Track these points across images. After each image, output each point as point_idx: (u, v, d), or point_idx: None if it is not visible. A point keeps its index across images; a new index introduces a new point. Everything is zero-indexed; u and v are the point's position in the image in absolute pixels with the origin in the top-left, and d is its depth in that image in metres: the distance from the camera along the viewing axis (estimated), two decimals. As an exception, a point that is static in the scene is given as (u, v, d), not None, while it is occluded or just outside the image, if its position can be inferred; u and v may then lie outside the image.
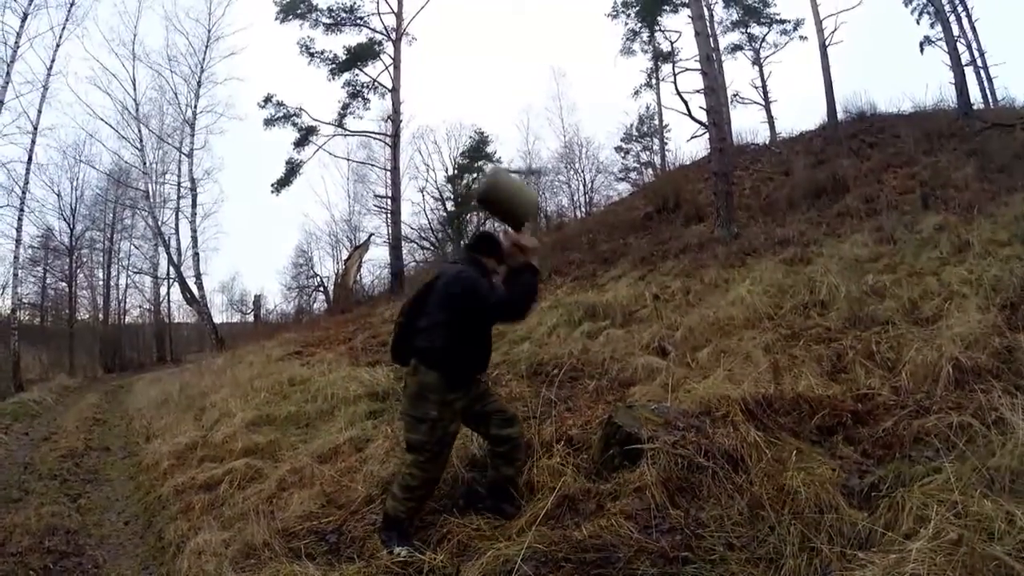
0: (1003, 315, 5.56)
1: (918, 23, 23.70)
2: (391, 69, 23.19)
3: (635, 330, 8.34)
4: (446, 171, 33.70)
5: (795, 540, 2.77)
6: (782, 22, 26.56)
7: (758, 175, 17.99)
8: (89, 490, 6.79)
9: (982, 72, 19.97)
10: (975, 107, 17.40)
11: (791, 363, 5.46)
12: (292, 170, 24.29)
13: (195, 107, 26.89)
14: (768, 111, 26.75)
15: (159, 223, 27.68)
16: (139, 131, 26.58)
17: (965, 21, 20.01)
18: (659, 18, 26.37)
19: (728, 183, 13.86)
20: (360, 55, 23.60)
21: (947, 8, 18.52)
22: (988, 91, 19.91)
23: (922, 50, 23.04)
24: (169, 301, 32.62)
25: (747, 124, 29.24)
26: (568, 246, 16.60)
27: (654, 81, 28.89)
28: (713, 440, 3.46)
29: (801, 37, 26.10)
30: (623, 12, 27.68)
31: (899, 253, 8.89)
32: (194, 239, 26.68)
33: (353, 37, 23.79)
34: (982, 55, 20.07)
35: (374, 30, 23.54)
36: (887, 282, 7.64)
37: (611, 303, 9.72)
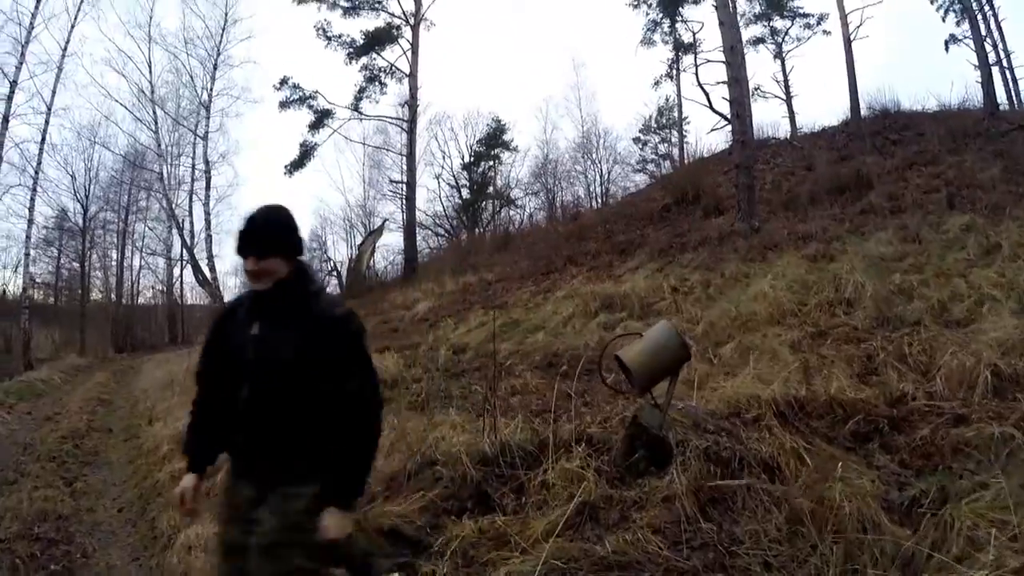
0: None
1: (943, 20, 22.75)
2: (409, 54, 22.91)
3: (653, 323, 8.03)
4: (462, 158, 33.17)
5: (839, 562, 2.51)
6: (805, 16, 25.85)
7: (779, 170, 17.53)
8: (87, 473, 6.67)
9: (1007, 73, 19.33)
10: (1001, 108, 16.96)
11: (820, 363, 5.24)
12: (306, 152, 24.03)
13: (211, 90, 26.69)
14: (789, 106, 26.17)
15: (173, 205, 27.60)
16: (154, 113, 26.48)
17: (992, 21, 19.28)
18: (681, 8, 25.70)
19: (750, 176, 13.45)
20: (378, 39, 23.21)
21: (974, 7, 17.95)
22: (1013, 92, 19.30)
23: (947, 48, 22.50)
24: (182, 283, 32.59)
25: (768, 118, 28.66)
26: (584, 236, 16.31)
27: (674, 72, 28.19)
28: (748, 446, 3.20)
29: (824, 32, 25.46)
30: (644, 2, 26.84)
31: (925, 253, 8.63)
32: (207, 221, 26.62)
33: (371, 21, 23.45)
34: (1008, 55, 19.36)
35: (392, 14, 23.20)
36: (914, 282, 7.43)
37: (628, 294, 9.51)
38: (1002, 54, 18.78)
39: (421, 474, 3.68)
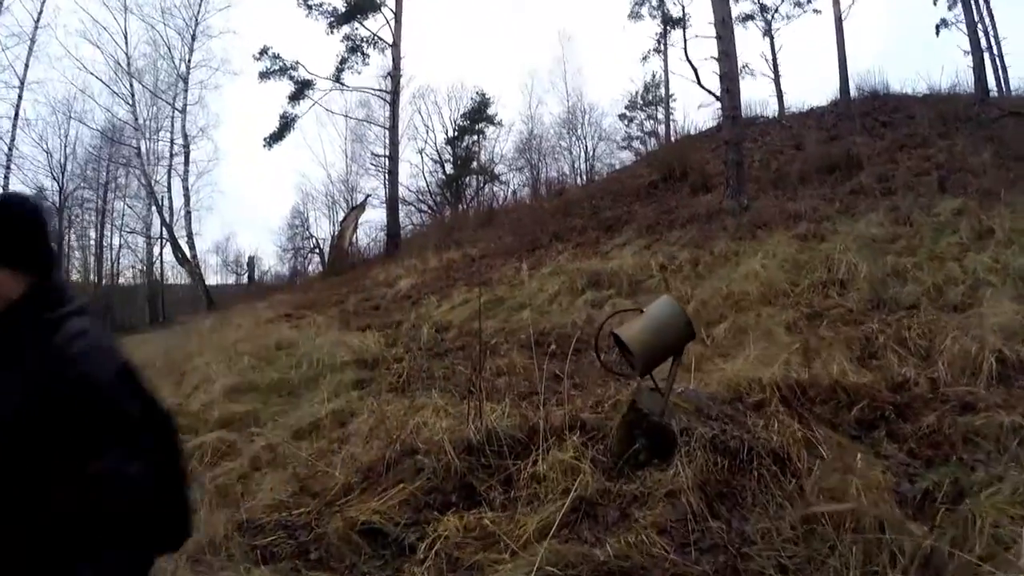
0: None
1: (935, 4, 22.70)
2: (392, 23, 22.24)
3: (642, 301, 7.93)
4: (446, 133, 32.58)
5: (858, 563, 2.29)
6: (796, -7, 25.41)
7: (767, 148, 17.28)
8: None
9: (997, 60, 19.33)
10: (991, 93, 16.94)
11: (819, 345, 5.05)
12: (286, 124, 23.46)
13: (189, 61, 25.95)
14: (778, 84, 25.72)
15: (152, 181, 26.80)
16: (131, 87, 25.65)
17: (983, 6, 19.28)
18: None
19: (740, 152, 13.16)
20: (360, 7, 22.57)
21: None
22: (1003, 78, 19.32)
23: (938, 32, 22.50)
24: (162, 262, 31.83)
25: (756, 97, 28.54)
26: (570, 212, 16.04)
27: (663, 47, 27.78)
28: (755, 435, 2.96)
29: (815, 10, 24.95)
30: None
31: (917, 236, 8.53)
32: (186, 197, 25.98)
33: None
34: (998, 43, 19.44)
35: None
36: (908, 264, 7.33)
37: (616, 271, 9.33)
38: (993, 41, 18.87)
39: (401, 464, 3.41)
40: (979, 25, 17.72)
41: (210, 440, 5.46)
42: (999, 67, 19.28)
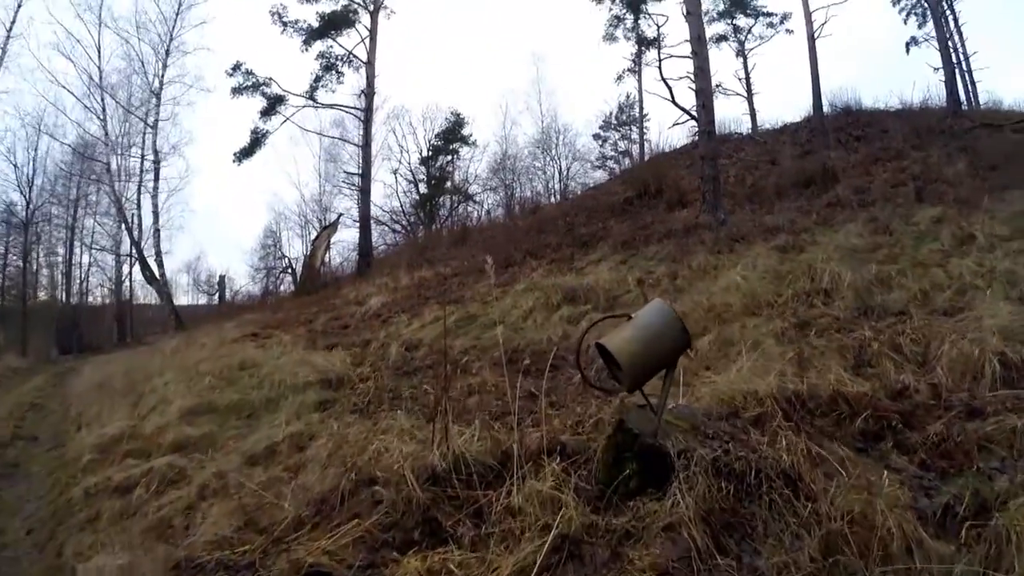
0: None
1: (905, 23, 24.09)
2: (367, 41, 22.27)
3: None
4: (420, 153, 32.56)
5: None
6: (769, 15, 26.18)
7: (742, 164, 17.54)
8: (3, 487, 6.19)
9: (967, 75, 20.13)
10: (963, 106, 17.54)
11: (812, 354, 4.86)
12: (256, 140, 23.18)
13: (162, 77, 25.50)
14: (751, 103, 26.49)
15: (121, 198, 26.13)
16: (103, 101, 25.18)
17: (952, 23, 20.16)
18: (644, 4, 25.71)
19: (715, 167, 13.27)
20: (335, 22, 22.53)
21: (941, 7, 18.58)
22: (972, 93, 20.05)
23: (908, 50, 23.64)
24: (131, 280, 31.15)
25: (729, 115, 28.89)
26: (544, 229, 15.94)
27: (637, 67, 28.28)
28: (762, 454, 2.59)
29: (787, 31, 25.79)
30: None
31: (898, 244, 8.54)
32: (155, 214, 25.42)
33: (329, 7, 22.82)
34: (967, 58, 20.30)
35: (352, 0, 22.53)
36: (892, 272, 7.27)
37: (592, 287, 9.14)
38: (962, 57, 19.76)
39: (358, 495, 2.97)
40: (949, 42, 18.34)
41: (159, 466, 5.21)
42: (968, 81, 20.07)
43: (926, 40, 22.17)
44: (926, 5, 21.64)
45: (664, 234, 12.28)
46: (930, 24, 21.63)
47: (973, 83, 20.35)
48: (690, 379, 4.44)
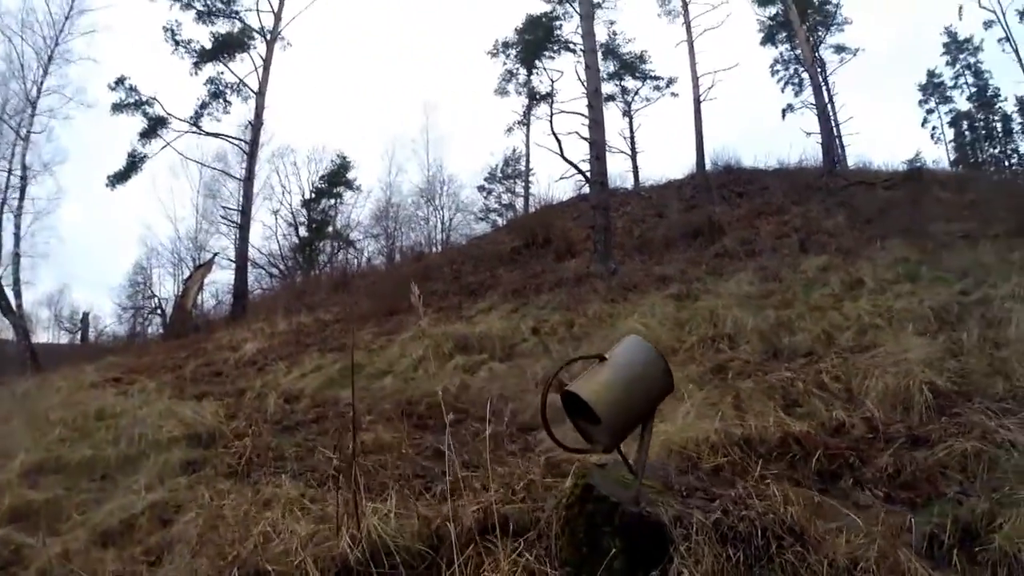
0: (946, 340, 5.59)
1: (783, 92, 26.65)
2: (260, 71, 21.18)
3: (523, 364, 7.50)
4: (303, 195, 31.56)
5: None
6: (656, 78, 27.47)
7: (629, 216, 18.06)
8: None
9: (838, 140, 22.20)
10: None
11: (736, 399, 4.70)
12: (133, 164, 21.36)
13: (41, 85, 22.37)
14: (634, 161, 27.54)
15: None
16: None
17: (826, 93, 22.20)
18: (537, 61, 26.72)
19: (607, 217, 13.54)
20: (229, 45, 21.47)
21: (819, 79, 20.78)
22: (843, 155, 22.04)
23: (784, 116, 26.23)
24: (-15, 313, 27.13)
25: (613, 171, 29.79)
26: (430, 276, 15.62)
27: (527, 121, 28.85)
28: (757, 510, 2.17)
29: (673, 94, 27.20)
30: (503, 52, 27.66)
31: (789, 290, 8.86)
32: (17, 236, 21.90)
33: (225, 28, 21.83)
34: (838, 124, 22.51)
35: (249, 26, 21.55)
36: (791, 316, 7.44)
37: (486, 335, 8.83)
38: (834, 123, 21.79)
39: (241, 602, 2.19)
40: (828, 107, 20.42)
41: (-6, 540, 4.06)
42: (840, 145, 22.10)
43: (801, 106, 24.60)
44: (803, 77, 24.19)
45: (555, 283, 12.41)
46: (804, 93, 24.41)
47: (843, 146, 22.52)
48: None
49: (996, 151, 32.41)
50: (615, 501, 2.08)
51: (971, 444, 3.30)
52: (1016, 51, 24.92)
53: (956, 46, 32.44)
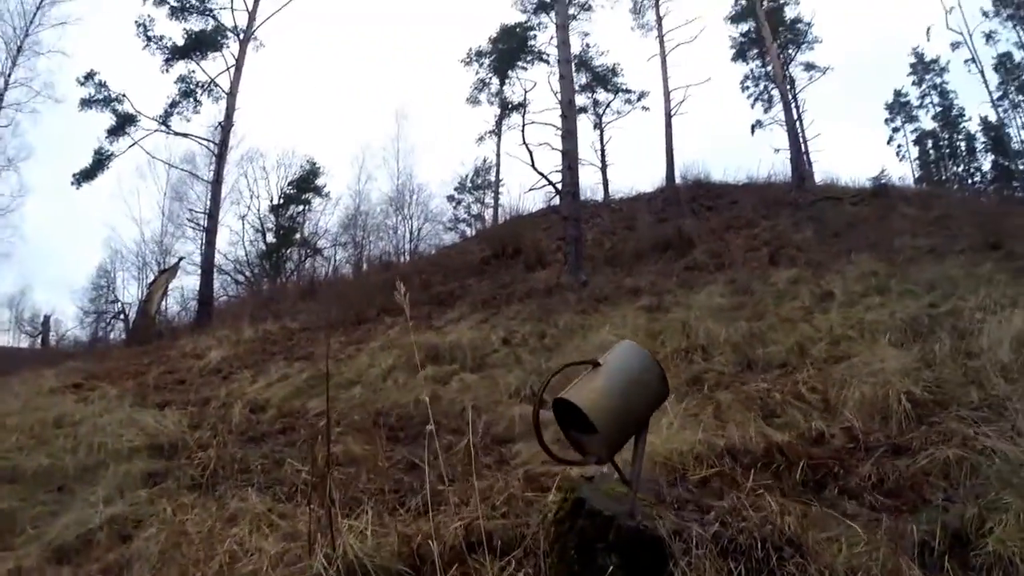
0: (919, 350, 5.60)
1: (752, 108, 26.93)
2: (231, 71, 20.82)
3: (495, 375, 7.45)
4: (271, 200, 31.05)
5: None
6: (628, 91, 27.79)
7: (599, 228, 18.13)
8: None
9: (806, 156, 22.56)
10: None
11: (718, 409, 4.72)
12: (100, 162, 20.74)
13: (8, 76, 22.06)
14: (604, 173, 27.77)
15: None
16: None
17: (795, 110, 22.90)
18: (511, 71, 26.87)
19: (579, 228, 13.60)
20: (202, 42, 21.07)
21: (788, 96, 21.07)
22: (811, 171, 22.36)
23: (753, 132, 26.52)
24: (-59, 314, 25.99)
25: (583, 183, 29.75)
26: (398, 286, 15.21)
27: (498, 131, 29.00)
28: (755, 522, 2.10)
29: (644, 108, 27.47)
30: (476, 61, 27.77)
31: (760, 303, 8.87)
32: None
33: (199, 25, 21.42)
34: (806, 141, 22.95)
35: (223, 24, 21.23)
36: (762, 328, 7.44)
37: (457, 345, 8.75)
38: (803, 139, 22.12)
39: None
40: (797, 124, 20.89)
41: (-61, 558, 3.77)
42: (808, 161, 22.46)
43: (771, 122, 25.14)
44: (772, 93, 24.66)
45: (525, 293, 12.36)
46: (774, 109, 24.95)
47: (811, 162, 22.94)
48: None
49: (960, 169, 33.68)
50: (609, 515, 1.98)
51: (952, 452, 3.34)
52: (982, 72, 26.17)
53: (923, 66, 33.71)
